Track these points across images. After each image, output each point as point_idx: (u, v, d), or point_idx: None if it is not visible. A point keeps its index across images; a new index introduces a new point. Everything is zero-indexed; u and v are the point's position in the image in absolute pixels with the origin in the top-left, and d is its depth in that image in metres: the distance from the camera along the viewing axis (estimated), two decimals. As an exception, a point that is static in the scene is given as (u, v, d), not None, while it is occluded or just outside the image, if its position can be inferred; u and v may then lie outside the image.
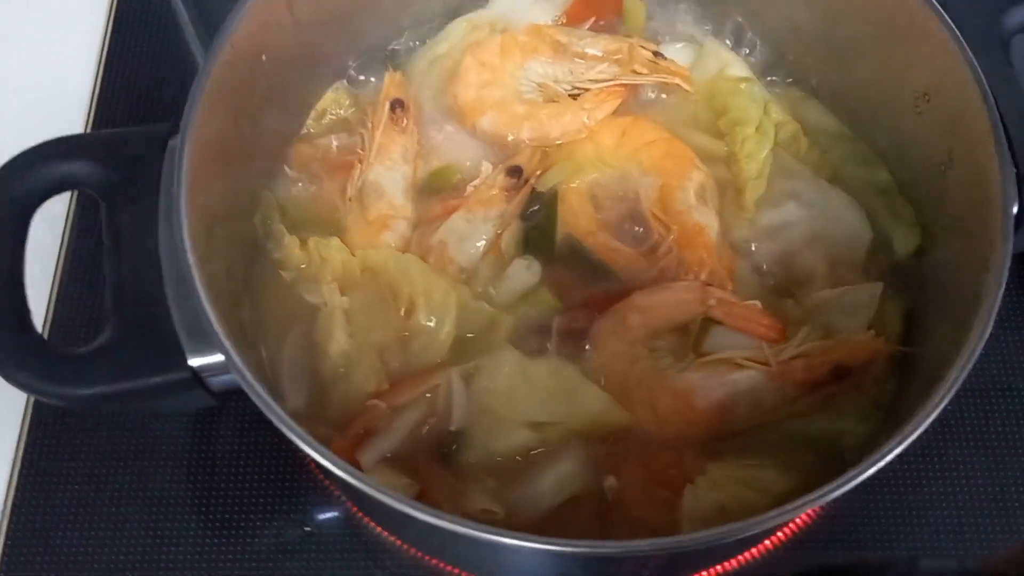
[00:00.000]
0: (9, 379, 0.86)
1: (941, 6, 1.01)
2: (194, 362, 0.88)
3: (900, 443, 0.85)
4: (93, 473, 1.16)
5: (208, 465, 1.17)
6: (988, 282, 0.92)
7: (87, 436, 1.18)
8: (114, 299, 0.90)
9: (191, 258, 0.88)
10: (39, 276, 1.21)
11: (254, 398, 0.83)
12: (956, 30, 0.99)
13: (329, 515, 1.16)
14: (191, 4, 1.34)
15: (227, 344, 0.85)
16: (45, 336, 1.20)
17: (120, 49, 1.45)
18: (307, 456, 0.83)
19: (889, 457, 0.85)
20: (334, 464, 0.82)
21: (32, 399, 1.19)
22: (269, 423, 0.83)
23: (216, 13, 1.01)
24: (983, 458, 1.18)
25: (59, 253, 1.28)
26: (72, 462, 1.16)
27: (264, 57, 1.05)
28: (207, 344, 0.87)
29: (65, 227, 1.30)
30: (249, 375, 0.84)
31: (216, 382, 0.90)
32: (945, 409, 0.86)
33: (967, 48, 0.98)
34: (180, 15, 1.35)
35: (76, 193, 1.31)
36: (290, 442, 0.83)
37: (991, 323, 0.90)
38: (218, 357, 0.87)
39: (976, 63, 0.98)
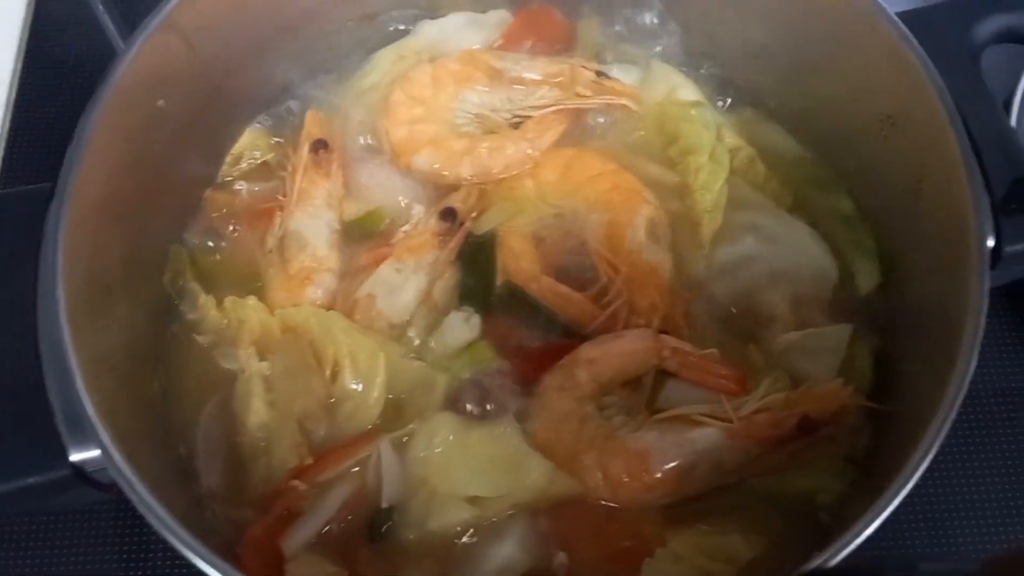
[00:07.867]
0: None
1: (905, 22, 0.93)
2: (76, 457, 0.78)
3: (893, 499, 0.78)
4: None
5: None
6: (965, 326, 0.84)
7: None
8: (-13, 387, 0.80)
9: (68, 338, 0.78)
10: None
11: (136, 503, 0.73)
12: (921, 48, 0.91)
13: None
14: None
15: (105, 438, 0.75)
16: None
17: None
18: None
19: (882, 518, 0.78)
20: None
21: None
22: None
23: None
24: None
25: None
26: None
27: (162, 102, 0.95)
28: (90, 436, 0.77)
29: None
30: (130, 473, 0.74)
31: (105, 476, 0.80)
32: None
33: (934, 68, 0.90)
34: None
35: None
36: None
37: (971, 369, 0.82)
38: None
39: (943, 84, 0.89)
